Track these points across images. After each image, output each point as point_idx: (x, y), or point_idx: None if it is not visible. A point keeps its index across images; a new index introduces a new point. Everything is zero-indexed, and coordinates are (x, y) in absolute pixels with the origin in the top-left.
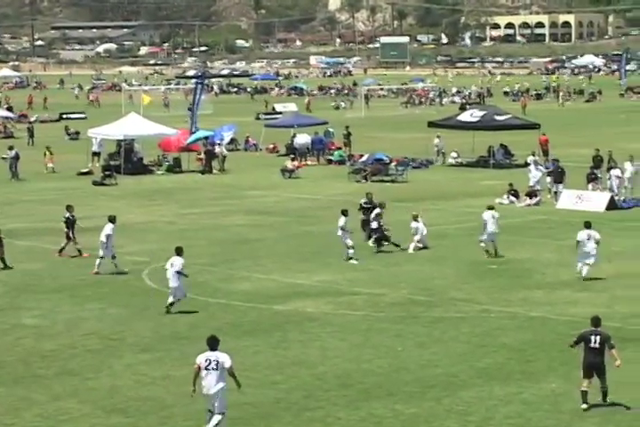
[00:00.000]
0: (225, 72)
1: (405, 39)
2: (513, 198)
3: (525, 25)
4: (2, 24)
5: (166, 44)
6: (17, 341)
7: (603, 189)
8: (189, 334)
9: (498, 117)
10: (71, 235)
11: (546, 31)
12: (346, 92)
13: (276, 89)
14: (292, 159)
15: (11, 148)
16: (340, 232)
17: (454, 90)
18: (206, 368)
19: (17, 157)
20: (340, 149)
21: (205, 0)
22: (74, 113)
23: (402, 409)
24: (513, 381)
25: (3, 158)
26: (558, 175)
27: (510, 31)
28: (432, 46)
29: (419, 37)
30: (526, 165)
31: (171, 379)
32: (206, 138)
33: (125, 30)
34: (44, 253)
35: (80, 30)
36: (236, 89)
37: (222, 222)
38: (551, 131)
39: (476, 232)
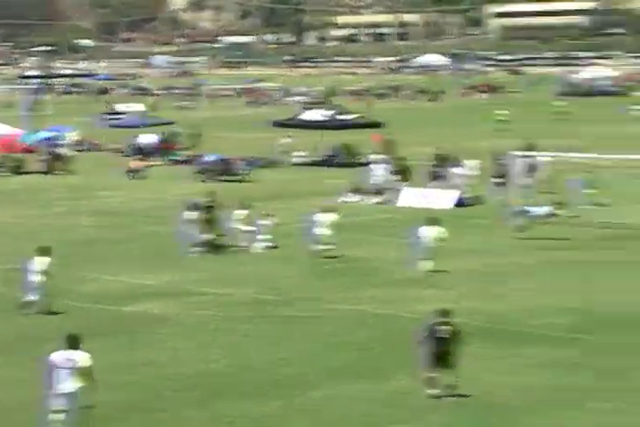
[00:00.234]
0: (68, 72)
1: (250, 39)
2: (358, 197)
3: (369, 24)
4: None
5: (6, 44)
6: None
7: (446, 187)
8: (39, 336)
9: (342, 117)
10: None
11: (389, 31)
12: (190, 92)
13: (120, 89)
14: (138, 159)
15: None
16: (184, 226)
17: (299, 89)
18: (61, 367)
19: None
20: (186, 148)
21: None
22: None
23: (252, 409)
24: (363, 378)
25: None
26: (402, 173)
27: (355, 31)
28: (277, 46)
29: (264, 37)
30: (370, 163)
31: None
32: (48, 139)
33: None
34: None
35: None
36: (79, 89)
37: (69, 223)
38: (395, 129)
39: None
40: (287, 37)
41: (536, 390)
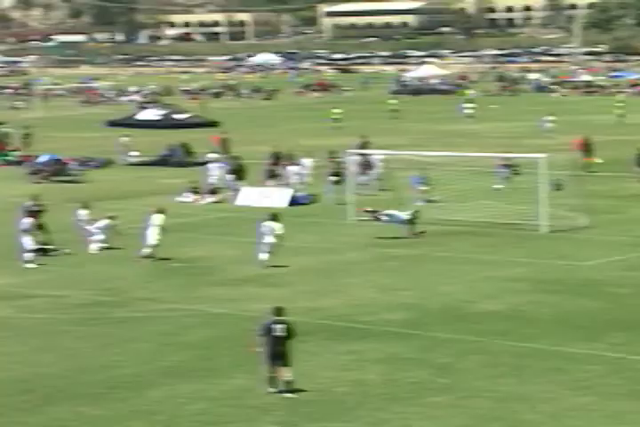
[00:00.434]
0: None
1: (82, 38)
2: (194, 196)
3: (202, 23)
4: None
5: None
6: None
7: (283, 186)
8: None
9: (177, 116)
10: None
11: (223, 30)
12: (22, 91)
13: None
14: None
15: None
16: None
17: (133, 89)
18: None
19: None
20: (17, 149)
21: None
22: None
23: (87, 411)
24: (199, 378)
25: None
26: (239, 173)
27: (188, 30)
28: (109, 45)
29: (95, 36)
30: (206, 162)
31: None
32: None
33: None
34: None
35: None
36: None
37: None
38: (231, 128)
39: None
40: (120, 36)
41: (372, 386)
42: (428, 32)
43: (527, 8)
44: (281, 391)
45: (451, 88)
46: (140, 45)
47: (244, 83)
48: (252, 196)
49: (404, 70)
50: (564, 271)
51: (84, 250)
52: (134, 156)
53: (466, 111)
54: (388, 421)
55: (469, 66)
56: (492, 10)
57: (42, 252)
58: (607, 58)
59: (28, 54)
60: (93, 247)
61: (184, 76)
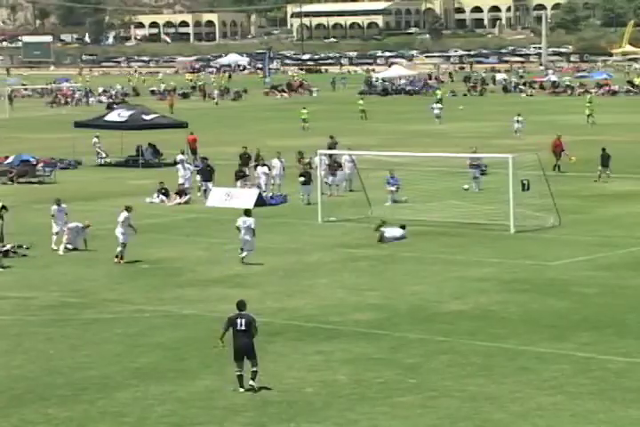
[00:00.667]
0: None
1: (48, 38)
2: (163, 197)
3: (170, 24)
4: None
5: None
6: None
7: (251, 186)
8: None
9: (145, 117)
10: None
11: (190, 30)
12: None
13: None
14: None
15: None
16: None
17: (100, 89)
18: None
19: None
20: None
21: None
22: None
23: (55, 413)
24: (167, 379)
25: None
26: (207, 173)
27: (155, 30)
28: (76, 46)
29: (62, 37)
30: (175, 163)
31: None
32: None
33: None
34: None
35: None
36: None
37: None
38: (199, 129)
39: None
40: (87, 37)
41: (341, 386)
42: (396, 32)
43: (495, 9)
44: (247, 389)
45: (419, 88)
46: (107, 46)
47: (212, 83)
48: (220, 196)
49: (371, 71)
50: (532, 271)
51: (50, 251)
52: (103, 157)
53: (435, 112)
54: (356, 421)
55: (438, 66)
56: (459, 10)
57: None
58: (573, 58)
59: None
60: (60, 248)
61: (152, 77)
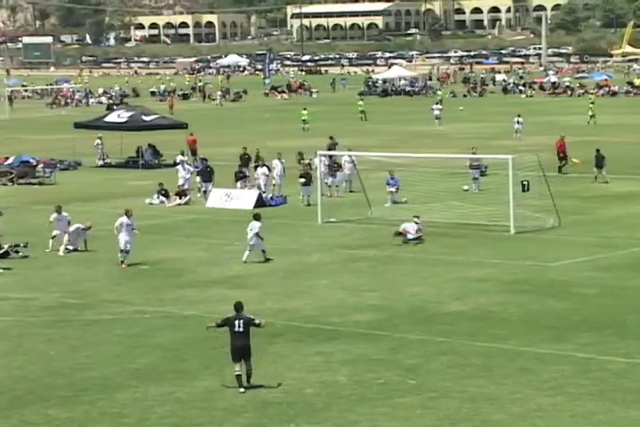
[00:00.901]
0: None
1: (49, 39)
2: (163, 198)
3: (169, 25)
4: None
5: None
6: None
7: (251, 187)
8: None
9: (145, 118)
10: None
11: (190, 31)
12: None
13: None
14: None
15: None
16: None
17: (101, 90)
18: None
19: None
20: None
21: None
22: None
23: (55, 414)
24: (167, 380)
25: None
26: (207, 174)
27: (155, 31)
28: (76, 47)
29: (62, 38)
30: (175, 164)
31: None
32: None
33: None
34: None
35: None
36: None
37: None
38: (199, 130)
39: None
40: (88, 38)
41: (341, 387)
42: (396, 33)
43: (494, 9)
44: (245, 388)
45: (419, 89)
46: (107, 47)
47: (212, 84)
48: (220, 198)
49: (371, 72)
50: (532, 272)
51: (49, 253)
52: (103, 158)
53: (435, 112)
54: (356, 422)
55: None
56: (459, 11)
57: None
58: (573, 59)
59: None
60: (61, 249)
61: (152, 78)
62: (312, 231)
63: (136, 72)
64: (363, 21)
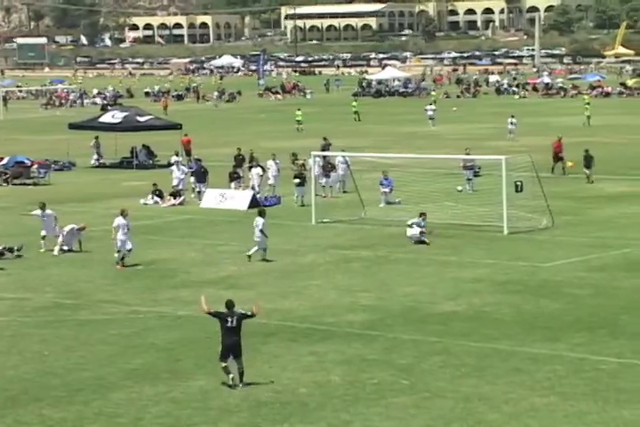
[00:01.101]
0: None
1: (43, 40)
2: (157, 199)
3: (164, 26)
4: None
5: None
6: None
7: (245, 188)
8: None
9: (139, 118)
10: None
11: (184, 32)
12: None
13: None
14: None
15: None
16: None
17: (95, 91)
18: None
19: None
20: None
21: None
22: None
23: (49, 414)
24: (162, 380)
25: None
26: (201, 175)
27: (149, 32)
28: (71, 47)
29: (57, 38)
30: (169, 165)
31: None
32: None
33: None
34: None
35: None
36: None
37: None
38: (193, 131)
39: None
40: (84, 39)
41: (335, 387)
42: (391, 34)
43: (488, 11)
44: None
45: (412, 90)
46: (103, 48)
47: (207, 85)
48: (215, 198)
49: (365, 72)
50: (525, 272)
51: (44, 253)
52: (97, 158)
53: (428, 113)
54: (350, 422)
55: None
56: (453, 12)
57: None
58: (566, 60)
59: None
60: (56, 249)
61: (147, 79)
62: (306, 232)
63: (130, 73)
64: (356, 22)
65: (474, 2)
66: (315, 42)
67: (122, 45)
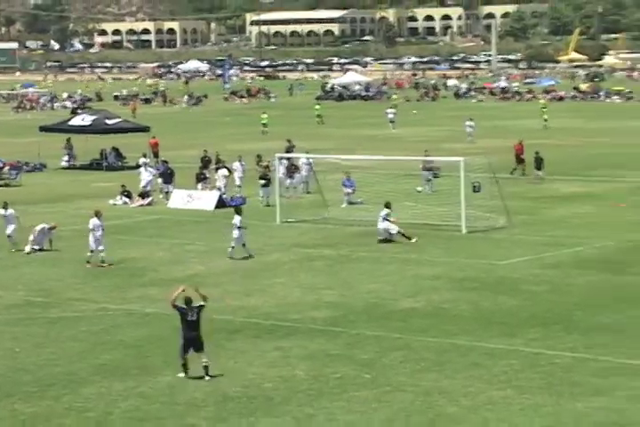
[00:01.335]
0: None
1: (14, 45)
2: (126, 199)
3: (132, 31)
4: None
5: None
6: None
7: (212, 189)
8: None
9: (108, 121)
10: None
11: (152, 37)
12: None
13: None
14: None
15: None
16: None
17: (65, 95)
18: None
19: None
20: None
21: None
22: None
23: (21, 409)
24: (131, 376)
25: None
26: (168, 176)
27: (118, 38)
28: (41, 52)
29: (27, 43)
30: (138, 166)
31: None
32: None
33: None
34: None
35: None
36: None
37: None
38: (160, 133)
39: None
40: (55, 44)
41: (299, 382)
42: (352, 40)
43: (446, 17)
44: (192, 377)
45: (373, 94)
46: (72, 53)
47: (173, 89)
48: (182, 198)
49: (327, 77)
50: (483, 270)
51: (15, 252)
52: (67, 160)
53: (389, 116)
54: (314, 415)
55: (392, 73)
56: (412, 19)
57: None
58: (522, 65)
59: None
60: (27, 248)
61: (115, 83)
62: (271, 231)
63: (99, 77)
64: (319, 28)
65: (432, 9)
66: (279, 47)
67: (91, 50)
